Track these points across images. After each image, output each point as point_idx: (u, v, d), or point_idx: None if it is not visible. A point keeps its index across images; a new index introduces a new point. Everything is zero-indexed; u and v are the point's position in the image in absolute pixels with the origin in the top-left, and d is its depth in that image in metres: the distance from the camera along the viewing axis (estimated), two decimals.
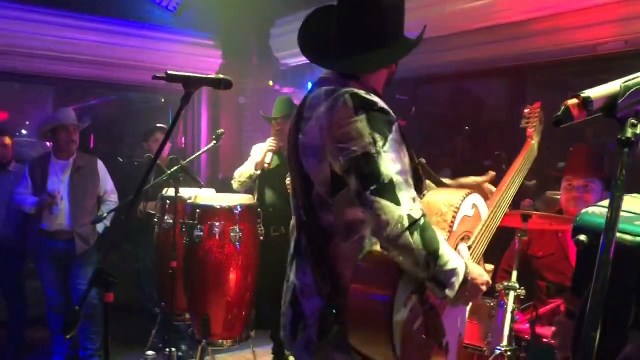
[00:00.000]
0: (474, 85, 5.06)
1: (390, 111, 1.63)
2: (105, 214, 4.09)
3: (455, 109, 5.26)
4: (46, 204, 4.30)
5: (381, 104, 1.62)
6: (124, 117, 7.63)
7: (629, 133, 1.00)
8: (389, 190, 1.48)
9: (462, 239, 1.75)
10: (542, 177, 4.12)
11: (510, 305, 2.40)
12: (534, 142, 2.34)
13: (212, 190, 4.22)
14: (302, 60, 5.28)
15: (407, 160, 1.64)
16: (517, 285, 2.42)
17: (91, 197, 4.52)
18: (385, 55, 1.72)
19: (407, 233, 1.45)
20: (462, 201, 1.73)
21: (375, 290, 1.57)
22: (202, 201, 3.79)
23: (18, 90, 7.87)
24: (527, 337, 2.62)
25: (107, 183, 4.62)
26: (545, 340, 2.56)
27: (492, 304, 2.67)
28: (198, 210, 3.71)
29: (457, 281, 1.55)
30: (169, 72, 2.13)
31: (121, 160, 6.81)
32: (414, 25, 1.85)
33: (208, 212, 3.70)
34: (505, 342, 2.38)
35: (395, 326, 1.50)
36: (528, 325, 2.65)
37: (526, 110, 2.45)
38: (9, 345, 4.85)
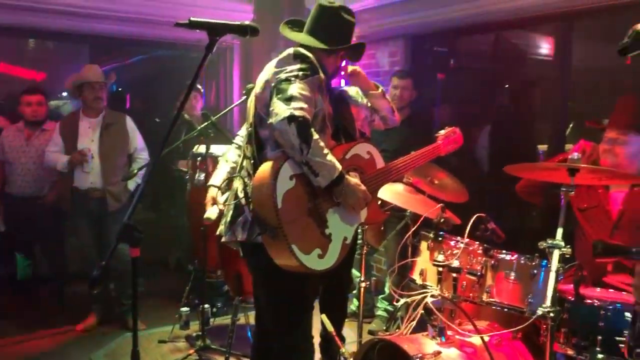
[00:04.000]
0: (516, 36, 4.79)
1: (320, 71, 2.39)
2: (136, 171, 4.06)
3: (496, 62, 5.00)
4: (77, 162, 4.31)
5: (313, 59, 2.38)
6: (158, 75, 7.55)
7: None
8: (287, 99, 2.19)
9: (354, 169, 2.49)
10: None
11: (555, 264, 2.25)
12: (442, 144, 2.99)
13: None
14: None
15: (324, 105, 2.41)
16: (562, 244, 2.27)
17: (121, 155, 4.51)
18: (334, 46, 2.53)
19: (286, 121, 2.14)
20: (357, 144, 2.54)
21: (268, 164, 2.25)
22: None
23: (52, 50, 7.88)
24: (570, 297, 2.49)
25: (136, 140, 4.59)
26: (589, 301, 2.43)
27: (533, 263, 2.53)
28: None
29: (328, 175, 2.24)
30: (192, 18, 2.03)
31: (158, 120, 6.78)
32: None
33: None
34: (548, 303, 2.24)
35: (279, 189, 2.19)
36: (572, 285, 2.52)
37: (442, 132, 3.07)
38: (50, 300, 4.98)
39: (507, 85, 5.16)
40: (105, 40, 5.87)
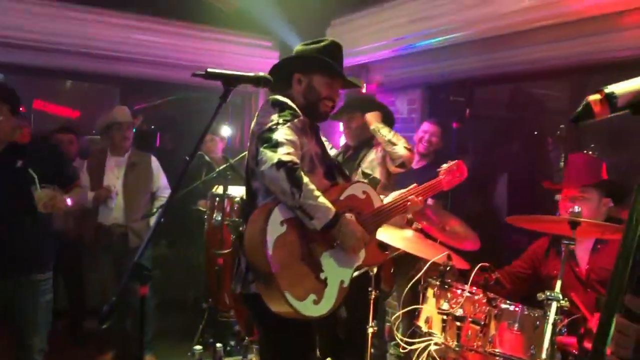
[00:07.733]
0: (532, 87, 4.86)
1: (298, 111, 2.43)
2: (155, 209, 4.19)
3: (512, 112, 5.07)
4: (102, 198, 4.47)
5: (290, 103, 2.44)
6: (186, 115, 7.80)
7: None
8: (273, 146, 2.23)
9: (350, 210, 2.48)
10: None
11: (552, 316, 2.26)
12: (444, 179, 2.98)
13: None
14: (359, 60, 5.26)
15: (310, 145, 2.46)
16: (560, 296, 2.28)
17: (144, 193, 4.65)
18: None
19: (274, 167, 2.18)
20: (352, 184, 2.57)
21: (258, 212, 2.29)
22: None
23: (87, 90, 8.21)
24: (574, 351, 2.48)
25: (160, 179, 4.73)
26: None
27: (536, 315, 2.54)
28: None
29: (323, 217, 2.25)
30: (209, 69, 2.15)
31: (187, 158, 6.96)
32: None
33: None
34: (544, 355, 2.24)
35: (269, 235, 2.18)
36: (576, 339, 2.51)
37: (444, 166, 3.04)
38: (67, 334, 5.06)
39: (535, 133, 5.18)
40: (135, 82, 6.08)
